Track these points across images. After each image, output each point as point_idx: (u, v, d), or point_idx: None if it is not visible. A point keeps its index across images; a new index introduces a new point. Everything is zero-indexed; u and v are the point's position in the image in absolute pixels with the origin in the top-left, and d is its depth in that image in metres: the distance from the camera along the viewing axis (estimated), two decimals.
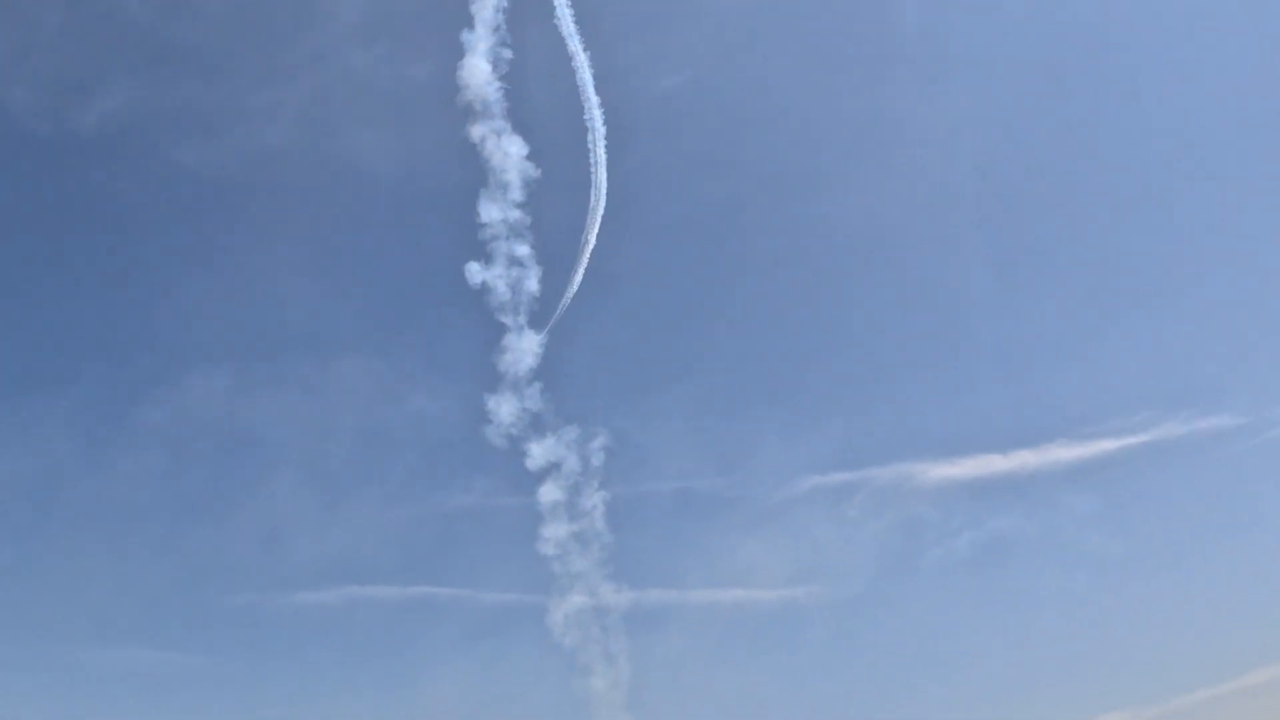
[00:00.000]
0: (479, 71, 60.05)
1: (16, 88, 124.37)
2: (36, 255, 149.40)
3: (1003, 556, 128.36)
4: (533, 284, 60.26)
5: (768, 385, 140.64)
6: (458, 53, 61.28)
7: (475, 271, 61.12)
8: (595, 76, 57.48)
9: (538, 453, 66.20)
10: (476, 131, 60.45)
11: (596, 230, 55.41)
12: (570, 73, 58.10)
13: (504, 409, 63.21)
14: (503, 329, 61.49)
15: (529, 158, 58.53)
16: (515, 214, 58.90)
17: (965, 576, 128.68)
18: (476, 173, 60.09)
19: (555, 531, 71.40)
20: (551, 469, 67.61)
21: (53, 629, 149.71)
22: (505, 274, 60.13)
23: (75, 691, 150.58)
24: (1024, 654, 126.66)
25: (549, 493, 69.06)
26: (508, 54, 59.71)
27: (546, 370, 63.32)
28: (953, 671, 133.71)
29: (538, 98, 63.75)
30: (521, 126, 59.79)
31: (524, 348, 61.41)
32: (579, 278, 56.90)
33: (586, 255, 56.29)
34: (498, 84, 60.08)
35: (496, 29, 59.81)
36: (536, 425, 65.84)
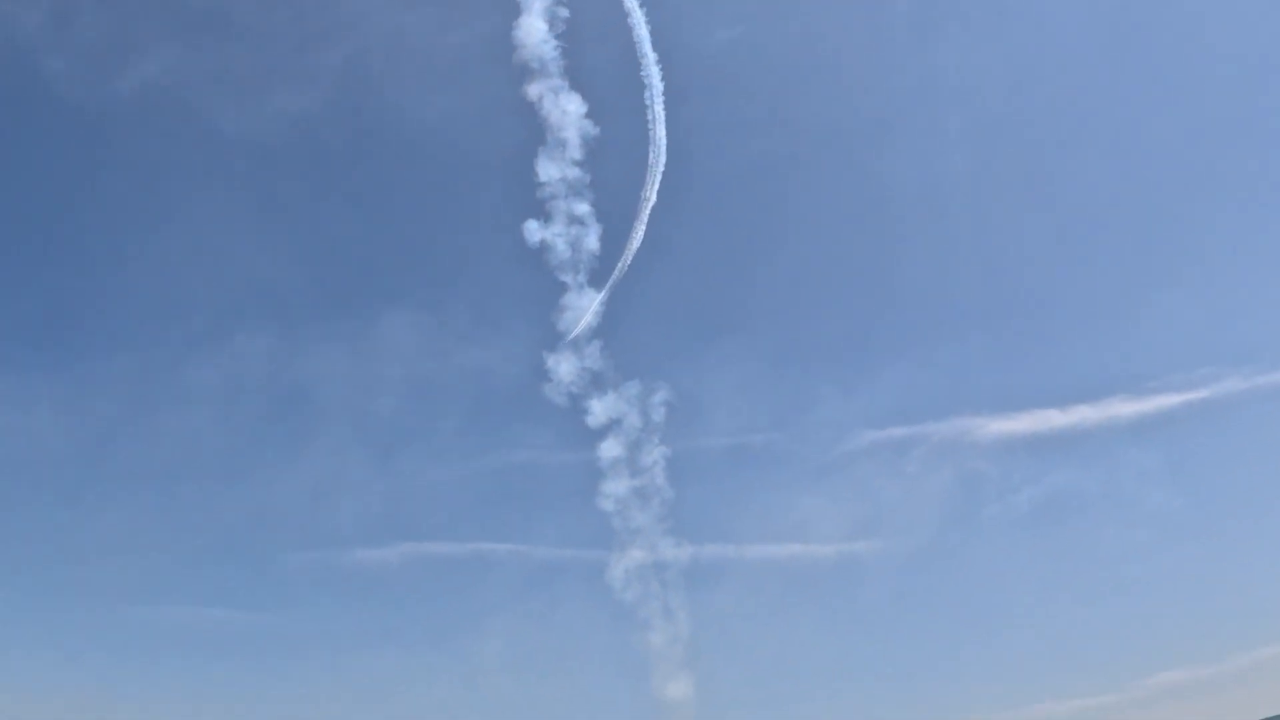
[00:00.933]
0: (535, 30, 59.85)
1: (56, 55, 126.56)
2: (82, 222, 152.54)
3: (1062, 512, 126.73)
4: (593, 242, 60.40)
5: (826, 340, 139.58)
6: (514, 11, 61.30)
7: (534, 230, 61.48)
8: (652, 33, 57.23)
9: (598, 409, 66.75)
10: (533, 90, 60.49)
11: (656, 187, 55.36)
12: (627, 30, 57.83)
13: (563, 367, 63.77)
14: (562, 287, 61.73)
15: (588, 115, 58.48)
16: (574, 172, 58.99)
17: (1025, 532, 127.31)
18: (534, 132, 60.19)
19: (615, 487, 72.18)
20: (612, 425, 68.17)
21: (117, 588, 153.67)
22: (565, 232, 60.32)
23: (141, 649, 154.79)
24: (1083, 610, 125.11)
25: (609, 449, 69.74)
26: (564, 12, 59.58)
27: (607, 327, 63.58)
28: (1011, 626, 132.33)
29: (595, 55, 63.65)
30: (579, 84, 59.65)
31: (584, 305, 61.72)
32: (639, 235, 56.92)
33: (646, 212, 56.28)
34: (554, 42, 59.98)
35: None
36: (597, 382, 66.38)
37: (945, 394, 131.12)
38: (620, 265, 58.38)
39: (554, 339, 64.11)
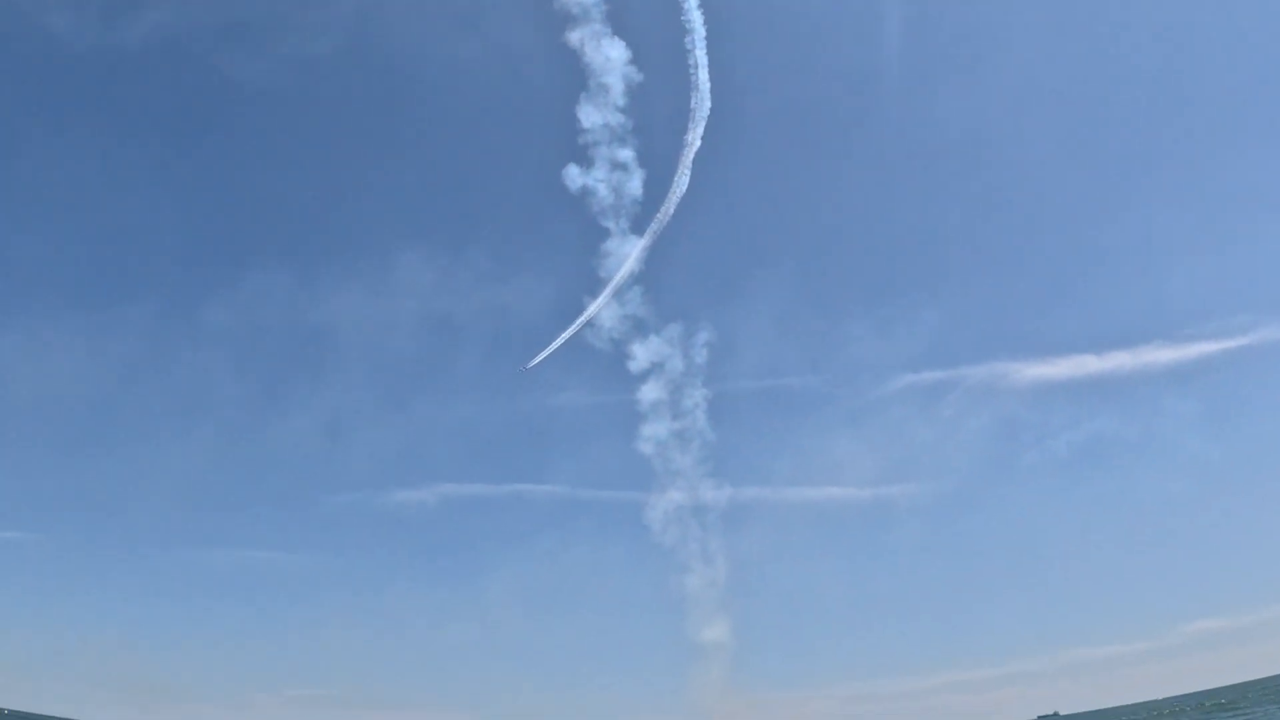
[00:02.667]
0: None
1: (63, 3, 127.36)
2: (96, 169, 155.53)
3: (1099, 460, 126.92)
4: (636, 187, 61.06)
5: (864, 284, 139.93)
6: None
7: (574, 176, 62.26)
8: None
9: (640, 354, 68.10)
10: (574, 37, 61.00)
11: (700, 131, 55.64)
12: None
13: (605, 312, 64.90)
14: (604, 233, 62.61)
15: (631, 62, 58.76)
16: (617, 118, 59.54)
17: (1061, 479, 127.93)
18: (575, 78, 60.69)
19: (655, 430, 73.81)
20: (653, 369, 69.57)
21: (162, 532, 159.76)
22: (607, 178, 61.04)
23: (187, 590, 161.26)
24: (1117, 557, 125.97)
25: (649, 392, 71.20)
26: None
27: (649, 272, 64.55)
28: (1045, 572, 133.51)
29: (637, 1, 63.77)
30: (621, 30, 60.09)
31: (625, 252, 62.61)
32: (684, 180, 57.36)
33: (690, 157, 56.68)
34: None
35: None
36: (638, 328, 67.57)
37: (981, 338, 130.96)
38: (663, 211, 59.02)
39: (594, 284, 65.10)
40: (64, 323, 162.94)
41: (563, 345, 64.84)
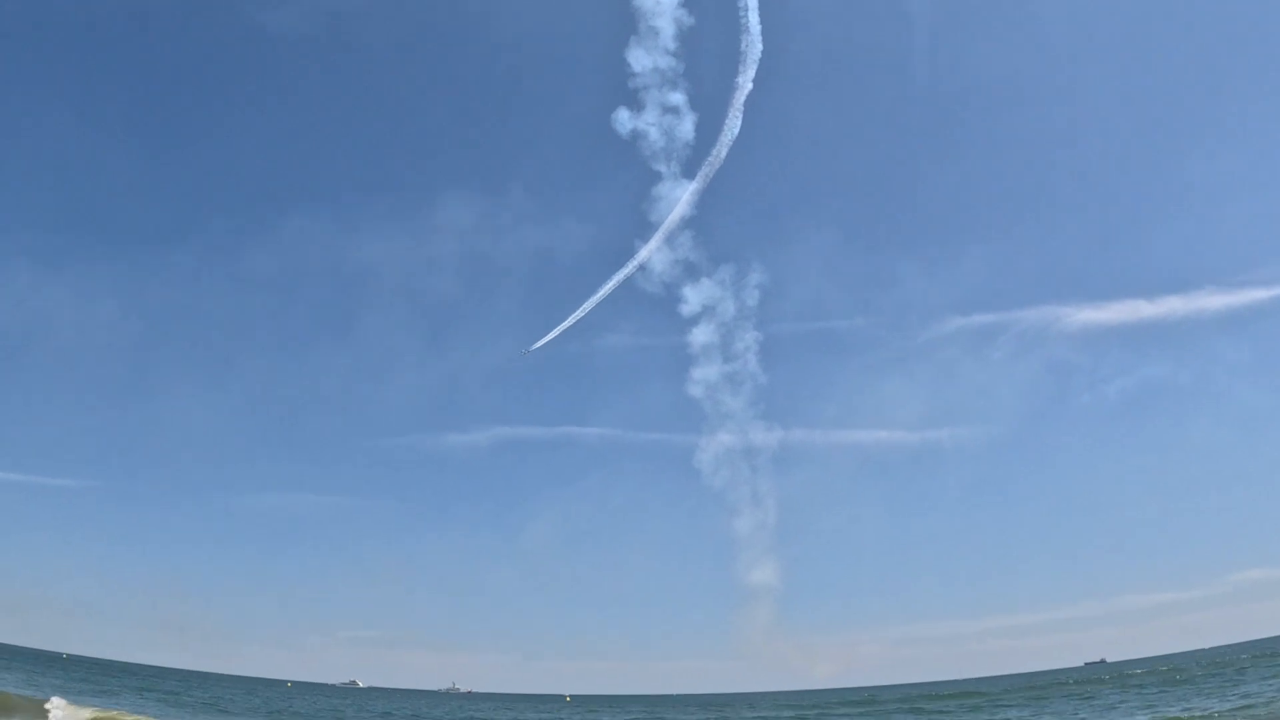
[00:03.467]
0: None
1: None
2: (136, 118, 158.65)
3: (1152, 405, 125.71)
4: (687, 131, 61.19)
5: (914, 225, 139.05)
6: None
7: (624, 120, 62.49)
8: None
9: (691, 297, 68.64)
10: None
11: (751, 75, 55.62)
12: None
13: (656, 256, 65.49)
14: (655, 176, 62.88)
15: (682, 5, 58.73)
16: (668, 61, 59.66)
17: (1113, 424, 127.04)
18: (624, 21, 60.57)
19: (706, 373, 74.37)
20: (705, 312, 70.10)
21: (214, 477, 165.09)
22: (658, 122, 61.24)
23: (240, 535, 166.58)
24: (1169, 504, 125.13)
25: (700, 334, 71.65)
26: None
27: (701, 215, 64.94)
28: (1095, 518, 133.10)
29: None
30: None
31: (677, 195, 62.92)
32: (735, 124, 57.37)
33: (741, 100, 56.68)
34: None
35: None
36: (690, 271, 68.01)
37: (1032, 282, 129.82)
38: (715, 154, 59.13)
39: (645, 228, 65.56)
40: (110, 270, 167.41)
41: (609, 293, 65.29)
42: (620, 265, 65.39)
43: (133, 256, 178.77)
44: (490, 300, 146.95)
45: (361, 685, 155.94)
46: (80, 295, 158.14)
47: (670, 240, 65.69)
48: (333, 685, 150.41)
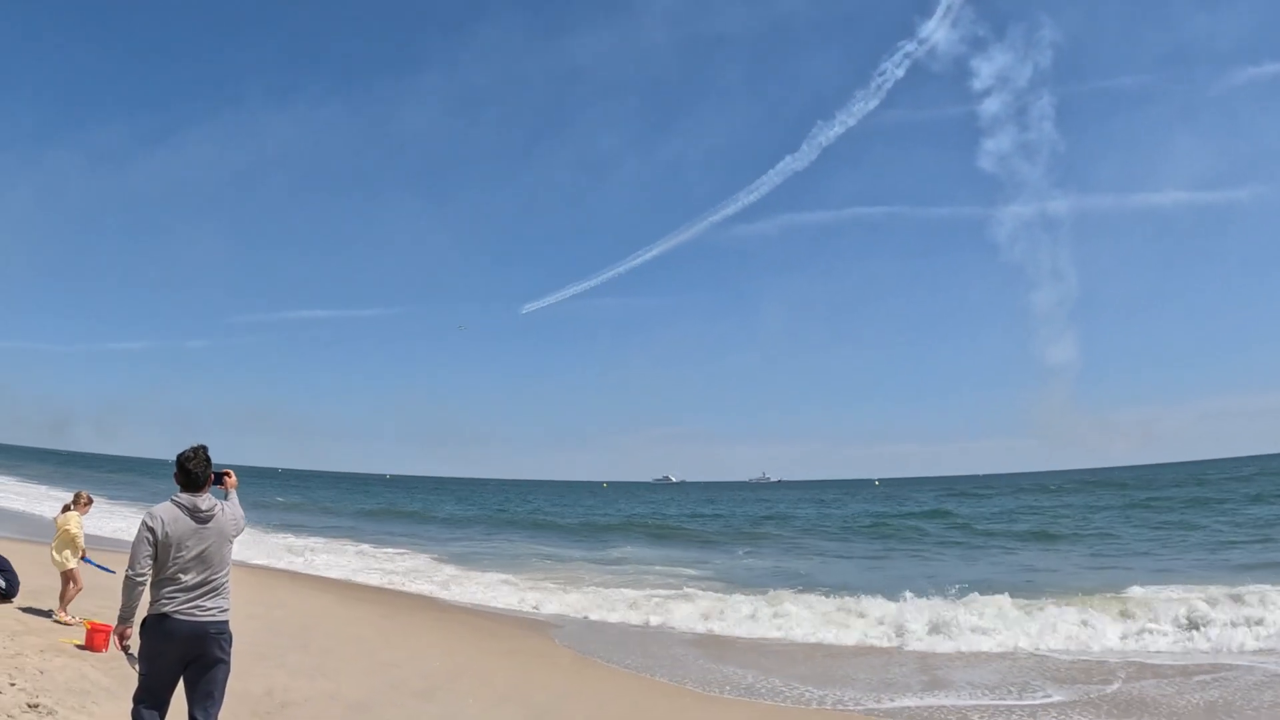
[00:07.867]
0: None
1: None
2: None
3: None
4: None
5: None
6: None
7: None
8: None
9: (983, 69, 58.60)
10: None
11: None
12: None
13: (938, 33, 52.66)
14: None
15: None
16: None
17: None
18: None
19: (997, 144, 64.69)
20: (997, 82, 61.14)
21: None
22: None
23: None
24: None
25: (990, 104, 63.18)
26: None
27: None
28: None
29: None
30: None
31: None
32: None
33: None
34: None
35: None
36: (977, 45, 58.57)
37: None
38: None
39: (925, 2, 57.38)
40: (331, 97, 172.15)
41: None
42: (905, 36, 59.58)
43: (338, 84, 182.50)
44: (767, 70, 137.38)
45: (674, 480, 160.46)
46: (303, 120, 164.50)
47: (949, 16, 54.73)
48: (647, 483, 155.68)
